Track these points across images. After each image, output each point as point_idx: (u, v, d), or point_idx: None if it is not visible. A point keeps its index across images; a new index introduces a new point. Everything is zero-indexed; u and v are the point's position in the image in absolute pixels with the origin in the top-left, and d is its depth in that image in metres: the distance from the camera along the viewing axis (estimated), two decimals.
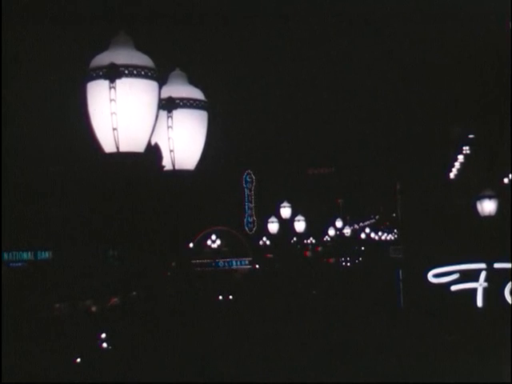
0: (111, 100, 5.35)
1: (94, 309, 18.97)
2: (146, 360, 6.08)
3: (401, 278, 16.00)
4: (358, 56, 24.14)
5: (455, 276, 14.48)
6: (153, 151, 6.08)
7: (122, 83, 5.36)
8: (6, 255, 29.25)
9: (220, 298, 22.96)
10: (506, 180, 24.70)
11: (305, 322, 15.69)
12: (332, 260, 46.71)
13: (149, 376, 5.97)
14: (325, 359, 11.05)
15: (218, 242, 41.38)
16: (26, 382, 9.38)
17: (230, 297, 23.36)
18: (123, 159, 5.50)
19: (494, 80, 21.05)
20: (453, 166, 33.72)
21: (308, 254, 48.42)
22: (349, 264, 46.57)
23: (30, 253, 30.42)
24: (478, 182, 24.69)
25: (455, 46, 21.29)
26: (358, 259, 52.48)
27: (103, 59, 5.45)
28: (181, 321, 8.30)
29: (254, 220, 49.30)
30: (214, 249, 40.81)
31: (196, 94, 6.53)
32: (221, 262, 40.98)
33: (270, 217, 28.19)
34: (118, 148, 5.44)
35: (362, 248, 56.62)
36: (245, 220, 49.48)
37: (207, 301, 19.37)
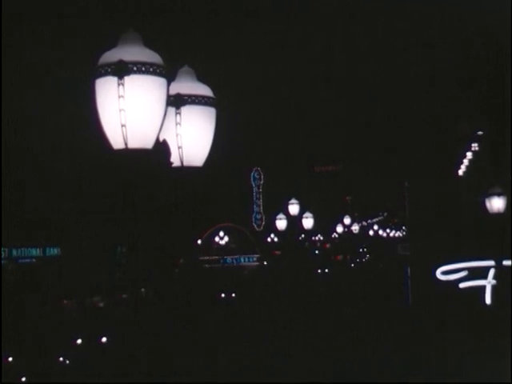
0: (120, 97, 5.35)
1: (101, 305, 19.02)
2: (149, 358, 6.09)
3: (409, 275, 15.99)
4: (366, 54, 24.10)
5: (464, 273, 14.46)
6: (161, 148, 6.08)
7: (131, 80, 5.37)
8: (14, 251, 29.37)
9: (222, 295, 22.80)
10: None
11: (311, 318, 15.69)
12: (340, 257, 46.70)
13: (150, 374, 5.98)
14: (331, 356, 11.05)
15: (226, 238, 41.44)
16: (26, 382, 9.40)
17: (233, 295, 23.26)
18: (132, 156, 5.50)
19: (500, 77, 20.99)
20: (461, 163, 33.61)
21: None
22: (357, 262, 46.56)
23: (38, 249, 30.50)
24: (486, 179, 24.60)
25: (462, 43, 21.24)
26: (366, 257, 52.46)
27: (112, 56, 5.45)
28: (187, 318, 8.30)
29: (261, 217, 49.28)
30: (222, 245, 40.85)
31: (204, 90, 6.52)
32: (229, 259, 41.01)
33: (278, 213, 28.18)
34: (126, 144, 5.44)
35: (365, 249, 56.65)
36: (253, 217, 49.47)
37: (210, 299, 19.31)
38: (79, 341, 12.06)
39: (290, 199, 27.10)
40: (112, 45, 5.58)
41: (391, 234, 65.52)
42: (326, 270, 34.44)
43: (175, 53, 6.81)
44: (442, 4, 17.58)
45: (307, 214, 27.82)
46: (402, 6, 17.24)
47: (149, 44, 5.60)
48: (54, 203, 26.91)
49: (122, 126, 5.40)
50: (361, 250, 55.30)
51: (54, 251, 30.58)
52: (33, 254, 30.42)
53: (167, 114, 5.74)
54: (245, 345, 11.91)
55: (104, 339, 12.11)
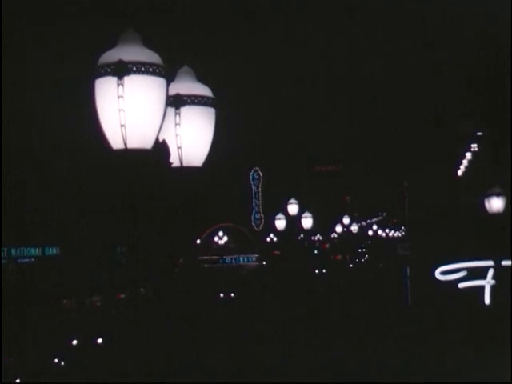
0: (119, 97, 5.35)
1: (100, 305, 19.00)
2: (149, 358, 6.09)
3: (408, 275, 15.98)
4: (367, 54, 24.10)
5: (463, 273, 14.45)
6: (160, 148, 6.08)
7: (130, 80, 5.36)
8: (13, 251, 29.36)
9: (221, 295, 22.74)
10: None
11: (311, 318, 15.69)
12: (339, 257, 46.71)
13: (150, 374, 5.98)
14: (331, 356, 11.04)
15: (225, 238, 41.38)
16: (26, 382, 9.39)
17: (232, 295, 23.21)
18: (131, 156, 5.49)
19: (500, 77, 21.00)
20: (461, 164, 33.65)
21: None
22: (356, 262, 46.56)
23: (37, 249, 30.49)
24: (486, 179, 24.62)
25: (462, 43, 21.24)
26: (365, 257, 52.45)
27: (111, 56, 5.45)
28: (186, 318, 8.30)
29: (261, 217, 49.28)
30: (221, 245, 40.81)
31: (204, 90, 6.52)
32: (228, 259, 41.01)
33: (277, 213, 28.16)
34: (125, 145, 5.44)
35: (364, 249, 56.65)
36: (252, 217, 49.47)
37: (209, 299, 19.27)
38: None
39: (289, 199, 27.08)
40: (112, 45, 5.57)
41: (390, 234, 65.49)
42: (324, 271, 34.37)
43: (175, 53, 6.81)
44: (442, 4, 17.58)
45: (306, 214, 27.81)
46: (403, 7, 17.24)
47: (148, 44, 5.59)
48: (54, 203, 26.91)
49: (122, 126, 5.39)
50: (360, 250, 55.30)
51: (53, 251, 30.57)
52: (32, 253, 30.40)
53: (167, 114, 5.73)
54: (244, 345, 11.90)
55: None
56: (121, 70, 5.33)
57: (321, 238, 49.98)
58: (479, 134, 31.76)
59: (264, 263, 41.05)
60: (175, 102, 6.23)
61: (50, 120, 23.52)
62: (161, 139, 5.98)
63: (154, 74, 5.44)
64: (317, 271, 33.13)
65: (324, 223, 41.98)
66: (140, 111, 5.45)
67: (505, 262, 14.26)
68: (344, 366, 10.38)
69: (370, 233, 58.05)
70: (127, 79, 5.35)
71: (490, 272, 14.31)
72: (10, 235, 23.91)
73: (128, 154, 5.48)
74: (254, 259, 42.83)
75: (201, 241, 37.85)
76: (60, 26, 18.27)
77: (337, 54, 23.92)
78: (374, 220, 65.12)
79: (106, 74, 5.40)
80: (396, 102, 29.44)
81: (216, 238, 41.16)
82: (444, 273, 14.51)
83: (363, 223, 57.12)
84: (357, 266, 44.09)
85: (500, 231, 16.26)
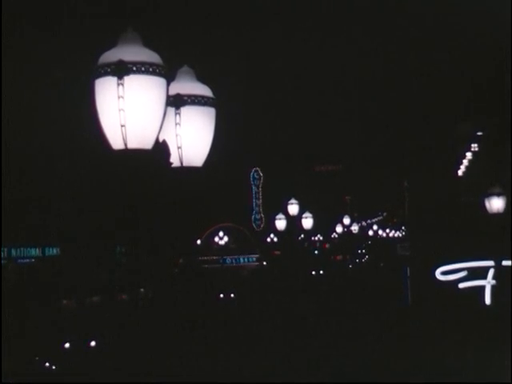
0: (119, 97, 5.35)
1: (100, 305, 18.98)
2: (149, 358, 6.09)
3: (408, 275, 15.98)
4: (367, 54, 24.11)
5: (463, 273, 14.45)
6: (161, 148, 6.08)
7: (130, 80, 5.36)
8: (13, 251, 29.34)
9: (221, 296, 22.73)
10: None
11: (311, 319, 15.69)
12: (340, 257, 46.70)
13: (150, 374, 5.98)
14: (331, 356, 11.04)
15: (226, 238, 41.37)
16: (26, 382, 9.38)
17: (232, 295, 23.20)
18: (131, 156, 5.49)
19: (500, 77, 21.01)
20: (461, 164, 33.65)
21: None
22: (356, 262, 46.55)
23: (37, 249, 30.47)
24: (486, 179, 24.62)
25: (463, 43, 21.25)
26: (365, 257, 52.44)
27: (111, 56, 5.44)
28: (186, 318, 8.30)
29: (261, 217, 49.27)
30: (222, 246, 40.79)
31: (204, 90, 6.51)
32: (228, 259, 40.99)
33: (277, 213, 28.16)
34: (126, 145, 5.44)
35: (364, 250, 56.63)
36: (252, 217, 49.46)
37: (209, 299, 19.25)
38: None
39: (289, 199, 27.09)
40: (112, 45, 5.57)
41: (390, 234, 65.48)
42: (321, 272, 34.27)
43: (175, 53, 6.81)
44: (442, 4, 17.59)
45: (307, 214, 27.82)
46: (403, 7, 17.26)
47: (148, 44, 5.59)
48: (54, 203, 26.89)
49: (122, 126, 5.39)
50: (360, 251, 55.29)
51: (53, 251, 30.54)
52: (32, 253, 30.38)
53: (167, 114, 5.73)
54: (244, 345, 11.90)
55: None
56: (121, 70, 5.32)
57: (321, 238, 49.98)
58: (479, 133, 31.77)
59: (264, 263, 41.02)
60: (175, 101, 6.23)
61: (50, 120, 23.52)
62: (161, 139, 5.98)
63: (153, 73, 5.44)
64: (314, 272, 33.04)
65: (324, 223, 41.97)
66: (140, 111, 5.45)
67: (505, 262, 14.25)
68: (344, 365, 10.37)
69: (371, 233, 58.04)
70: (127, 79, 5.35)
71: (491, 272, 14.30)
72: (10, 235, 23.90)
73: (128, 154, 5.47)
74: (254, 259, 42.82)
75: (201, 241, 37.82)
76: (60, 26, 18.29)
77: (337, 54, 23.93)
78: (374, 220, 65.11)
79: (105, 73, 5.40)
80: (396, 102, 29.46)
81: (216, 239, 41.14)
82: (444, 273, 14.51)
83: (363, 223, 57.11)
84: (357, 266, 44.07)
85: (500, 231, 16.25)
